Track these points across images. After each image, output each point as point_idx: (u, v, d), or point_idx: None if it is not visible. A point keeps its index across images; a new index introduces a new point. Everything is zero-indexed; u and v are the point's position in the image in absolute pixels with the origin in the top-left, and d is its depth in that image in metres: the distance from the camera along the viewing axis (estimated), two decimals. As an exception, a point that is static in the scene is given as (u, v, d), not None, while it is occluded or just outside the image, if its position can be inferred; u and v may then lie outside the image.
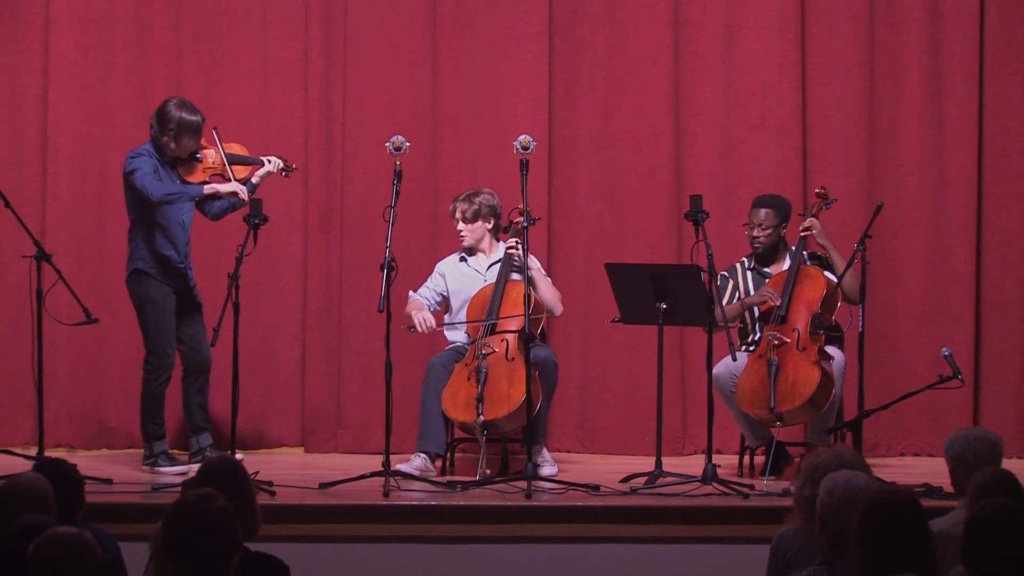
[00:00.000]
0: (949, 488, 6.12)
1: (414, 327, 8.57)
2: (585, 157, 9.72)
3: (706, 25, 9.68)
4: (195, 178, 8.50)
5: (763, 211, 8.62)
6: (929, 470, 8.30)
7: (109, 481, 7.97)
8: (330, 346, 9.65)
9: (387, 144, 8.33)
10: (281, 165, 8.60)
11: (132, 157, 8.39)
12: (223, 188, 8.46)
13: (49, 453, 8.18)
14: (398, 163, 8.24)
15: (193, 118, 8.42)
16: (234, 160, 8.54)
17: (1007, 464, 5.70)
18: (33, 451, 8.34)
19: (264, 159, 8.59)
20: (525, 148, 8.17)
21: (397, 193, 8.16)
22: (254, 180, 8.57)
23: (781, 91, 9.64)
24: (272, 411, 9.64)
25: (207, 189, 8.43)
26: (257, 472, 7.65)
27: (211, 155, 8.53)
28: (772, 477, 8.15)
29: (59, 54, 9.57)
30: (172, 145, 8.41)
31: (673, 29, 9.66)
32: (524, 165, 8.17)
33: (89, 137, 9.59)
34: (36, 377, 8.23)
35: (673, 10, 9.66)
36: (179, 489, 5.38)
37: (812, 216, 8.55)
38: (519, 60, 9.67)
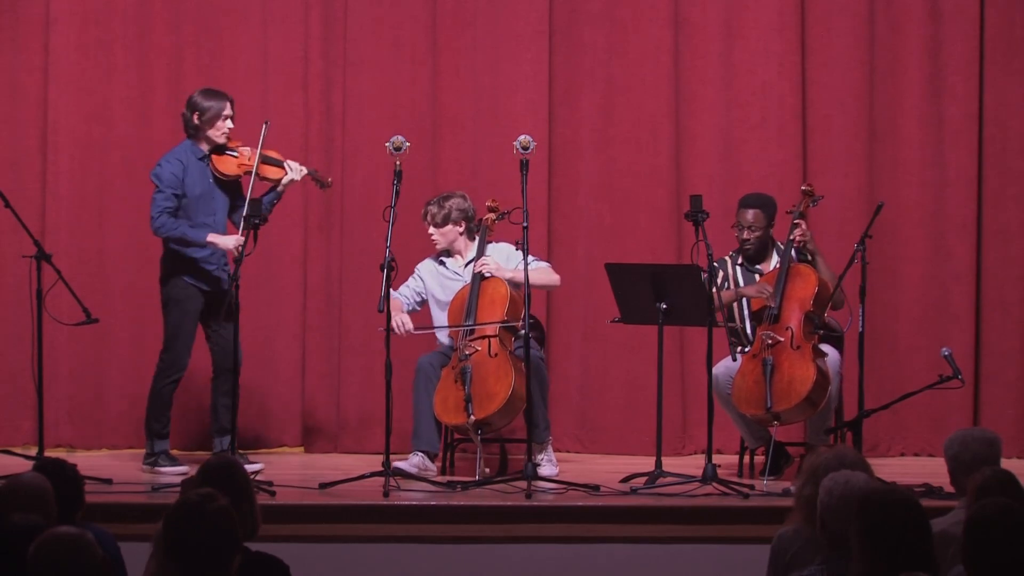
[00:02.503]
0: (949, 488, 6.13)
1: (392, 329, 8.53)
2: (585, 157, 9.71)
3: (706, 25, 9.67)
4: (228, 170, 8.49)
5: (751, 212, 8.59)
6: (929, 470, 8.29)
7: (109, 481, 7.97)
8: (330, 346, 9.64)
9: (387, 144, 8.33)
10: (305, 172, 8.58)
11: (160, 164, 8.44)
12: (221, 242, 8.40)
13: (49, 453, 8.16)
14: (398, 163, 8.23)
15: (220, 102, 8.47)
16: (267, 160, 8.54)
17: (1007, 464, 5.70)
18: (33, 451, 8.33)
19: (292, 166, 8.56)
20: (525, 148, 8.16)
21: (397, 193, 8.15)
22: (279, 188, 8.56)
23: (781, 91, 9.64)
24: (272, 411, 9.64)
25: (207, 240, 8.39)
26: (257, 472, 7.67)
27: (247, 152, 8.52)
28: (772, 477, 8.15)
29: (59, 54, 9.56)
30: (207, 130, 8.44)
31: (673, 29, 9.66)
32: (524, 165, 8.16)
33: (89, 137, 9.58)
34: (36, 377, 8.23)
35: (673, 10, 9.66)
36: (179, 489, 5.38)
37: (800, 214, 8.50)
38: (519, 60, 9.67)
